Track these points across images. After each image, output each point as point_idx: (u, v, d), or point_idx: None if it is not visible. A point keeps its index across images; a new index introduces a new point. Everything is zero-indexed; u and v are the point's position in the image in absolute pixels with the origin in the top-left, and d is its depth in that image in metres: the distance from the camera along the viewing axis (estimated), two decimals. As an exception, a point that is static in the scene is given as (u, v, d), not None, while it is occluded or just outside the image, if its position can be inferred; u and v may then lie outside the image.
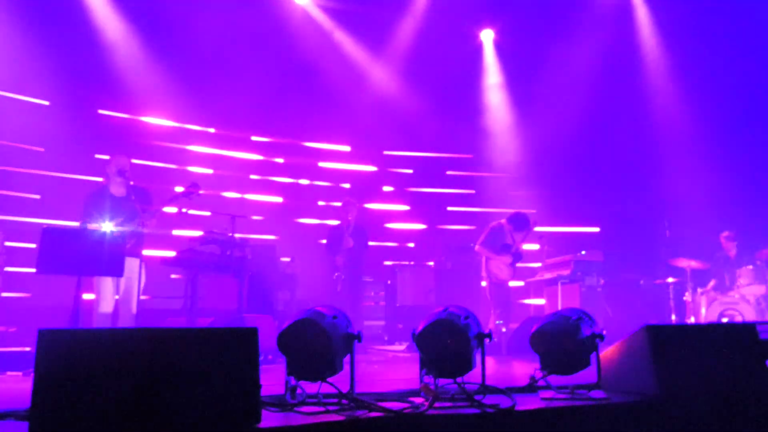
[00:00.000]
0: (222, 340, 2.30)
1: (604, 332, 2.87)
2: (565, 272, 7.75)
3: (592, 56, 9.18)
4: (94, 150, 7.73)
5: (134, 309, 5.09)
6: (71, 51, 7.89)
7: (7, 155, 7.60)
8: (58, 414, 2.06)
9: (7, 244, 6.75)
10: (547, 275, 8.15)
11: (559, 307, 7.52)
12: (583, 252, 7.92)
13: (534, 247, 8.52)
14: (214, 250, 6.27)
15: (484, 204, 10.40)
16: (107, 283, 5.02)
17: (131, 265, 4.93)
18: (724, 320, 7.39)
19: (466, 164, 10.84)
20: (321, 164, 10.26)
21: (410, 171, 10.71)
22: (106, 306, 5.04)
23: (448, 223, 10.57)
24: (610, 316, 7.76)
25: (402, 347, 7.70)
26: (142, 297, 5.28)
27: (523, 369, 4.94)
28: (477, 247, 7.48)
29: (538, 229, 7.79)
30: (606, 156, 9.67)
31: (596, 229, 9.97)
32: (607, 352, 3.08)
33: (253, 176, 9.74)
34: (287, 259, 8.26)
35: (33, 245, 5.78)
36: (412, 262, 9.41)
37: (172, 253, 6.38)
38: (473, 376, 2.73)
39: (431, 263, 9.29)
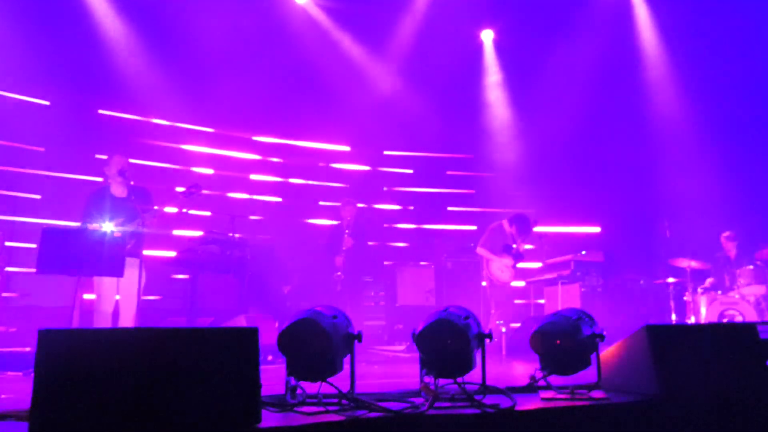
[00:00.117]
0: (222, 340, 2.30)
1: (604, 332, 2.87)
2: (565, 272, 7.75)
3: (592, 56, 9.17)
4: (94, 150, 7.73)
5: (134, 309, 5.09)
6: (71, 51, 7.89)
7: (7, 155, 7.60)
8: (58, 414, 2.06)
9: (7, 244, 6.75)
10: (547, 275, 8.16)
11: (559, 307, 7.52)
12: (583, 252, 7.92)
13: (532, 247, 8.53)
14: (214, 250, 6.28)
15: (484, 204, 10.40)
16: (107, 283, 5.02)
17: (131, 265, 4.93)
18: (724, 321, 7.39)
19: (466, 164, 10.84)
20: (321, 164, 10.26)
21: (410, 171, 10.71)
22: (106, 306, 5.05)
23: (448, 223, 10.57)
24: (610, 317, 7.76)
25: (402, 347, 7.70)
26: (142, 297, 5.27)
27: (523, 369, 4.94)
28: (478, 249, 7.49)
29: (538, 229, 7.79)
30: (606, 156, 9.67)
31: (596, 229, 9.98)
32: (607, 352, 3.08)
33: (253, 176, 9.75)
34: (287, 260, 8.26)
35: (33, 245, 5.78)
36: (412, 262, 9.41)
37: (172, 253, 6.39)
38: (473, 376, 2.73)
39: (431, 263, 9.29)
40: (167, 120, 9.00)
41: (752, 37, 8.66)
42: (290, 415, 2.39)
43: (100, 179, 5.40)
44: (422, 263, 9.33)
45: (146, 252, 5.43)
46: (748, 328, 3.03)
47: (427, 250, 9.87)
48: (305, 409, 2.44)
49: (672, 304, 7.82)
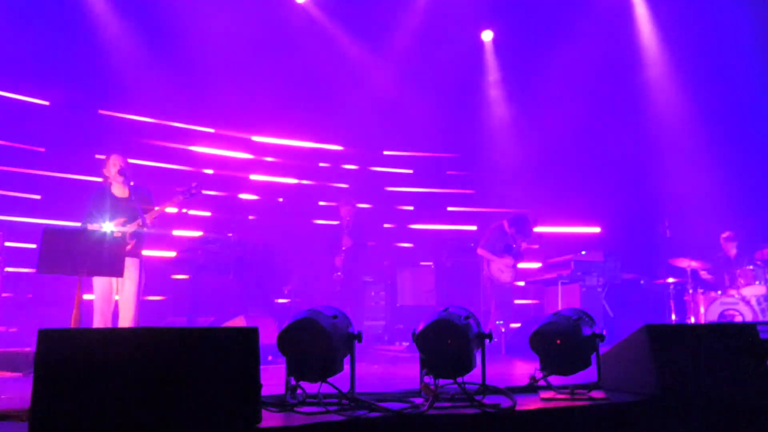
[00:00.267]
0: (222, 340, 2.30)
1: (604, 332, 2.87)
2: (565, 272, 7.75)
3: (592, 56, 9.16)
4: (94, 150, 7.72)
5: (134, 309, 5.08)
6: (71, 51, 7.88)
7: (7, 155, 7.60)
8: (58, 414, 2.06)
9: (7, 244, 6.75)
10: (547, 275, 8.16)
11: (559, 307, 7.52)
12: (583, 252, 7.92)
13: (534, 246, 8.53)
14: (214, 250, 6.28)
15: (484, 204, 10.40)
16: (107, 283, 5.02)
17: (131, 265, 4.93)
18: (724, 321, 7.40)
19: (466, 164, 10.84)
20: (321, 164, 10.27)
21: (410, 171, 10.71)
22: (106, 306, 5.04)
23: (448, 223, 10.57)
24: (610, 316, 7.77)
25: (402, 347, 7.70)
26: (142, 297, 5.27)
27: (523, 369, 4.94)
28: (479, 250, 7.50)
29: (538, 229, 7.79)
30: (606, 156, 9.66)
31: (597, 229, 9.98)
32: (607, 352, 3.09)
33: (253, 176, 9.75)
34: (287, 260, 8.26)
35: (33, 245, 5.79)
36: (412, 262, 9.40)
37: (172, 253, 6.40)
38: (473, 376, 2.73)
39: (431, 263, 9.29)
40: (167, 120, 9.00)
41: (752, 36, 8.66)
42: (290, 415, 2.39)
43: (100, 179, 5.38)
44: (422, 263, 9.34)
45: (146, 252, 5.42)
46: (748, 328, 3.03)
47: (427, 250, 9.87)
48: (305, 409, 2.45)
49: (672, 304, 7.82)
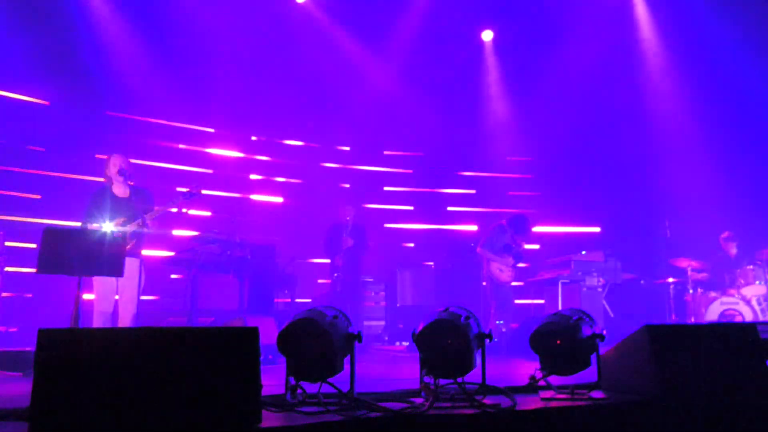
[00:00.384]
0: (222, 340, 2.30)
1: (604, 332, 2.87)
2: (565, 272, 7.75)
3: (592, 55, 9.17)
4: (95, 150, 7.72)
5: (134, 309, 5.08)
6: (71, 51, 7.88)
7: (7, 155, 7.60)
8: (58, 414, 2.06)
9: (7, 244, 6.75)
10: (547, 275, 8.16)
11: (559, 307, 7.52)
12: (583, 252, 7.92)
13: (534, 246, 8.53)
14: (214, 250, 6.28)
15: (484, 204, 10.40)
16: (107, 283, 5.02)
17: (131, 265, 4.92)
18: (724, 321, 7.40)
19: (466, 164, 10.84)
20: (321, 164, 10.26)
21: (410, 171, 10.71)
22: (106, 306, 5.04)
23: (449, 223, 10.56)
24: (610, 317, 7.76)
25: (402, 347, 7.70)
26: (142, 297, 5.27)
27: (523, 369, 4.94)
28: (479, 250, 7.50)
29: (537, 229, 7.79)
30: (606, 156, 9.67)
31: (597, 229, 9.98)
32: (607, 352, 3.08)
33: (253, 176, 9.75)
34: (287, 260, 8.26)
35: (33, 245, 5.79)
36: (412, 262, 9.40)
37: (172, 253, 6.40)
38: (473, 376, 2.73)
39: (431, 263, 9.29)
40: (168, 120, 9.00)
41: (752, 36, 8.65)
42: (291, 415, 2.39)
43: (101, 179, 5.38)
44: (422, 263, 9.33)
45: (146, 252, 5.42)
46: (748, 328, 3.03)
47: (427, 250, 9.87)
48: (305, 409, 2.44)
49: (672, 304, 7.82)
